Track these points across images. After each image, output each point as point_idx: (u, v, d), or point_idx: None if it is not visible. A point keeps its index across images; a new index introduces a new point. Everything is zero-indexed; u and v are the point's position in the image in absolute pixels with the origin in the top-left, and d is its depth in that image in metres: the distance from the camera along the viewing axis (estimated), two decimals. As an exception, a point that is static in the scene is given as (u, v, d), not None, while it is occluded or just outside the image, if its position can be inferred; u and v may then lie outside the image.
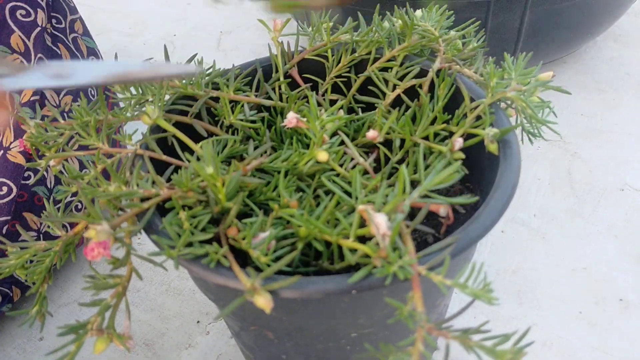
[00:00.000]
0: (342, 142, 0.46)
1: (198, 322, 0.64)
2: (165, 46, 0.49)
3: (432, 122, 0.47)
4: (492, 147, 0.44)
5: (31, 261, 0.43)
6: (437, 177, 0.36)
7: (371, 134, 0.47)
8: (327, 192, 0.44)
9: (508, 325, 0.61)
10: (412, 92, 0.50)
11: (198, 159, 0.43)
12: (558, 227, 0.72)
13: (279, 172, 0.44)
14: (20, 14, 0.63)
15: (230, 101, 0.50)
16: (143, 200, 0.40)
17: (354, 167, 0.41)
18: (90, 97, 0.70)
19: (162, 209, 0.41)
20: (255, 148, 0.47)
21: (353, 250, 0.36)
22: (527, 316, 0.62)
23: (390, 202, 0.35)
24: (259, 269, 0.36)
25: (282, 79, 0.53)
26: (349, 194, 0.40)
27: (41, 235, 0.63)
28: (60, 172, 0.47)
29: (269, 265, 0.36)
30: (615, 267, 0.67)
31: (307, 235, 0.37)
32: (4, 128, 0.29)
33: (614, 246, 0.69)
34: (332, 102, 0.53)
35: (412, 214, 0.48)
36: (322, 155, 0.41)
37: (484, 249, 0.68)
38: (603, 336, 0.60)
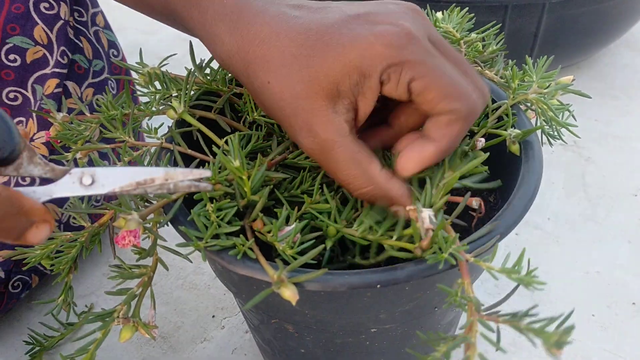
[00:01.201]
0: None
1: (213, 316, 0.65)
2: (190, 42, 0.49)
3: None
4: (514, 148, 0.44)
5: (57, 251, 0.44)
6: (465, 167, 0.37)
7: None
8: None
9: (521, 327, 0.62)
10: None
11: (224, 153, 0.43)
12: (572, 230, 0.72)
13: (303, 169, 0.45)
14: (44, 7, 0.63)
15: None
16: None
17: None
18: (111, 89, 0.71)
19: (187, 202, 0.41)
20: (278, 144, 0.48)
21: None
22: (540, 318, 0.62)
23: (433, 198, 0.36)
24: (284, 263, 0.37)
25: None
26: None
27: (62, 226, 0.63)
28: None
29: (294, 258, 0.37)
30: (628, 272, 0.67)
31: (336, 234, 0.38)
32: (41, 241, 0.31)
33: (626, 251, 0.69)
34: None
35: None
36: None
37: (498, 251, 0.68)
38: (615, 339, 0.60)
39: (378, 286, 0.36)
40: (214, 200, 0.40)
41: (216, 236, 0.39)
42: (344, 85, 0.36)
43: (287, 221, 0.39)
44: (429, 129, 0.37)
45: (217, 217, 0.39)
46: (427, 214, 0.35)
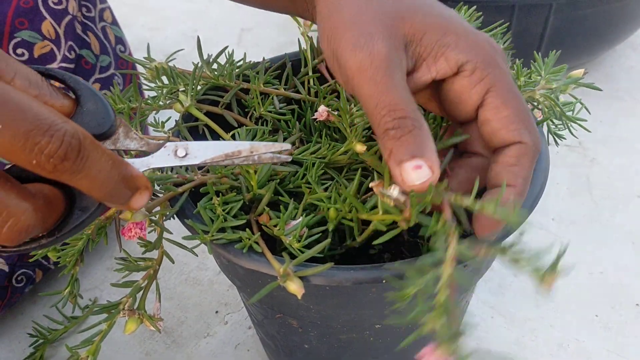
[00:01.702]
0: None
1: (217, 312, 0.65)
2: (198, 38, 0.50)
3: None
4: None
5: (63, 244, 0.44)
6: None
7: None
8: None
9: (525, 327, 0.62)
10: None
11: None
12: (576, 231, 0.72)
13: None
14: (52, 2, 0.64)
15: (260, 93, 0.50)
16: (177, 185, 0.41)
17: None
18: (117, 85, 0.71)
19: (193, 196, 0.42)
20: (285, 140, 0.48)
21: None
22: (544, 318, 0.63)
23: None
24: (290, 257, 0.37)
25: (310, 73, 0.54)
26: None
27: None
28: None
29: (301, 252, 0.37)
30: (632, 273, 0.67)
31: (337, 216, 0.38)
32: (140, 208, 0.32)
33: (630, 252, 0.69)
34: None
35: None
36: (360, 147, 0.42)
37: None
38: (618, 340, 0.60)
39: (384, 281, 0.36)
40: (220, 194, 0.40)
41: (222, 230, 0.39)
42: (429, 38, 0.36)
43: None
44: (498, 173, 0.36)
45: (223, 210, 0.39)
46: (394, 190, 0.34)
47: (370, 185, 0.35)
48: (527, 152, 0.36)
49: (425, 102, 0.41)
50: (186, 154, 0.34)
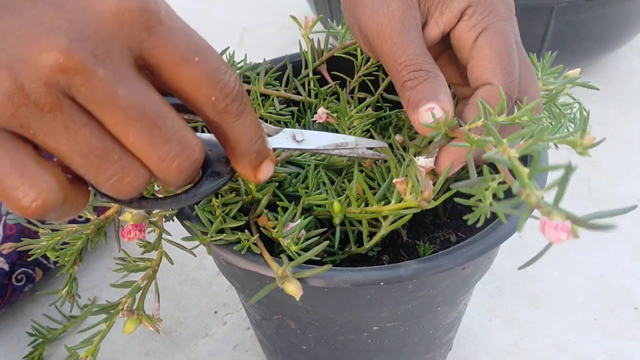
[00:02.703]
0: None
1: (215, 312, 0.65)
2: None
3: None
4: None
5: (63, 243, 0.44)
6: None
7: (398, 138, 0.48)
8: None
9: (523, 330, 0.62)
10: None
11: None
12: (575, 234, 0.72)
13: (308, 165, 0.45)
14: None
15: (260, 95, 0.51)
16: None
17: (384, 161, 0.42)
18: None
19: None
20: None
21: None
22: (543, 321, 0.63)
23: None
24: (288, 259, 0.37)
25: (311, 75, 0.54)
26: (372, 188, 0.41)
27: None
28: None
29: (299, 254, 0.37)
30: (631, 276, 0.67)
31: (341, 209, 0.38)
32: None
33: (630, 255, 0.69)
34: (360, 100, 0.54)
35: (436, 213, 0.49)
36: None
37: (501, 253, 0.68)
38: (617, 343, 0.60)
39: (381, 283, 0.36)
40: (220, 195, 0.40)
41: (221, 231, 0.39)
42: None
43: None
44: (465, 112, 0.37)
45: (222, 212, 0.39)
46: (423, 160, 0.36)
47: (394, 181, 0.36)
48: (494, 94, 0.36)
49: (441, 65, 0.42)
50: (303, 139, 0.37)
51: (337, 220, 0.39)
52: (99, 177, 0.27)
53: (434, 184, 0.35)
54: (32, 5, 0.25)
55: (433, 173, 0.37)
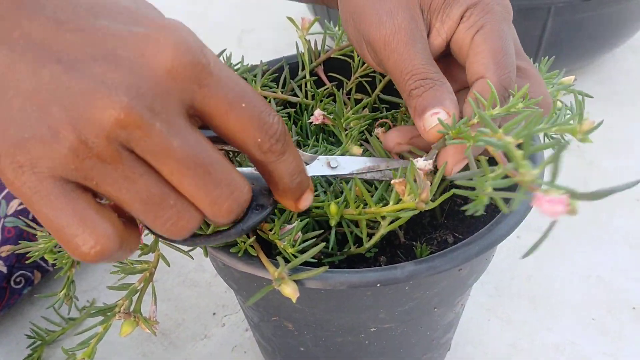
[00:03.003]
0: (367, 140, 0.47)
1: (214, 314, 0.65)
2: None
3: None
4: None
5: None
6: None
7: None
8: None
9: (521, 330, 0.62)
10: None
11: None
12: (573, 234, 0.72)
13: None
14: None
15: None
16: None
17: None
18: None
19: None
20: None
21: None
22: (541, 321, 0.63)
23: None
24: (285, 261, 0.37)
25: (308, 76, 0.54)
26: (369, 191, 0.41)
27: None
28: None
29: (295, 257, 0.37)
30: (629, 276, 0.67)
31: (337, 211, 0.38)
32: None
33: (628, 256, 0.69)
34: (357, 101, 0.54)
35: (433, 214, 0.49)
36: (356, 149, 0.42)
37: (499, 254, 0.68)
38: (615, 343, 0.60)
39: (378, 285, 0.36)
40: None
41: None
42: (436, 3, 0.39)
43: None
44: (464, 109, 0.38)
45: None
46: (422, 162, 0.36)
47: (392, 182, 0.36)
48: (486, 89, 0.36)
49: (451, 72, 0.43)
50: (337, 165, 0.39)
51: (333, 223, 0.39)
52: (156, 222, 0.29)
53: (431, 184, 0.36)
54: (95, 63, 0.27)
55: (431, 174, 0.37)
